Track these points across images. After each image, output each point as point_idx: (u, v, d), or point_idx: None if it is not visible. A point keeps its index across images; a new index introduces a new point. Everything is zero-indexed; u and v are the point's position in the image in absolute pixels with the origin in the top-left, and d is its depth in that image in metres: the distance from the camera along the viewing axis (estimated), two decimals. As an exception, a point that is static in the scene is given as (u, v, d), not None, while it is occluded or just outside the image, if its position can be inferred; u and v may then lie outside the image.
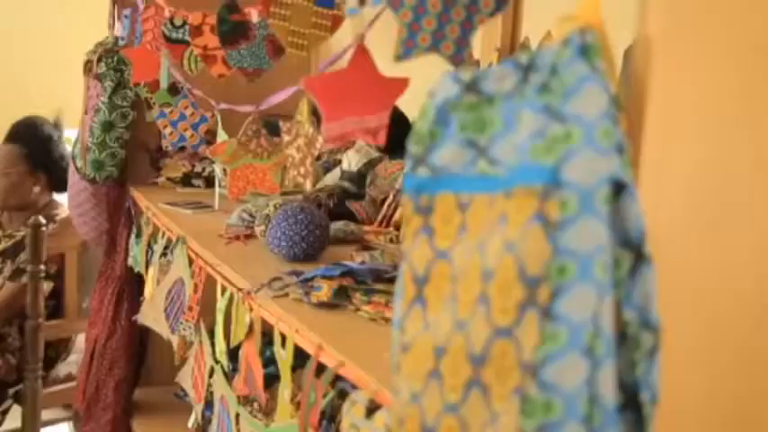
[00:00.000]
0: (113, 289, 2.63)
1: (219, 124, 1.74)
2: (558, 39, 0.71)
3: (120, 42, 2.39)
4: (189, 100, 1.94)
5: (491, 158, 0.75)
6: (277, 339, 1.43)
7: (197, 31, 1.72)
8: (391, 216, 2.08)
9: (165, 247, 2.15)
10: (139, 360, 2.75)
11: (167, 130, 1.94)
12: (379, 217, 2.10)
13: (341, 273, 1.46)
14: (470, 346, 0.69)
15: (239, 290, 1.61)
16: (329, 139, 1.17)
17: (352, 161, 2.41)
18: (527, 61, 0.71)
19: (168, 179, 2.68)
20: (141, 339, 2.72)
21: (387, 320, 1.35)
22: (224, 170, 1.77)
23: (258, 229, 1.88)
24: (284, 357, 1.40)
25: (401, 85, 1.20)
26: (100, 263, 2.76)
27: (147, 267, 2.31)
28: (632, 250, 0.67)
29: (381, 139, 1.20)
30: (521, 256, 0.65)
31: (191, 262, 1.96)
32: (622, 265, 0.67)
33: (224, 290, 1.73)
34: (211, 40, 1.68)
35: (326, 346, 1.26)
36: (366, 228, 2.06)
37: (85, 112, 2.62)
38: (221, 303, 1.72)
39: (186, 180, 2.68)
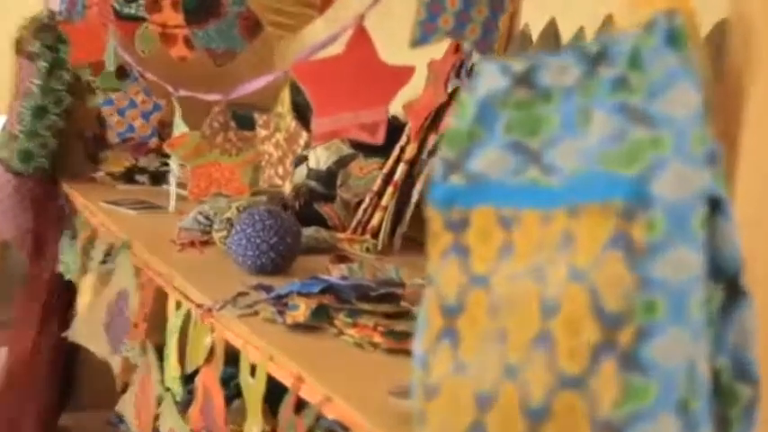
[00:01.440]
0: (40, 299, 2.50)
1: (178, 114, 1.64)
2: (634, 23, 0.63)
3: (58, 17, 2.27)
4: (140, 85, 1.84)
5: (544, 166, 0.68)
6: (244, 366, 1.34)
7: (155, 6, 1.61)
8: (368, 222, 1.99)
9: (106, 254, 2.03)
10: (67, 381, 2.62)
11: (114, 119, 1.84)
12: (354, 223, 2.02)
13: (321, 289, 1.37)
14: (526, 396, 0.61)
15: (198, 306, 1.51)
16: (320, 137, 1.08)
17: (320, 158, 2.32)
18: (596, 50, 0.63)
19: (108, 174, 2.56)
20: (70, 357, 2.60)
21: (375, 346, 1.27)
22: (181, 166, 1.67)
23: (218, 235, 1.78)
24: (253, 387, 1.31)
25: (405, 74, 1.12)
26: (24, 268, 2.63)
27: (82, 276, 2.20)
28: (725, 282, 0.60)
29: (380, 136, 1.13)
30: (595, 288, 0.58)
31: (137, 271, 1.85)
32: (713, 300, 0.60)
33: (178, 305, 1.63)
34: (172, 17, 1.58)
35: (307, 376, 1.18)
36: (339, 235, 1.97)
37: (15, 96, 2.49)
38: (175, 321, 1.62)
39: (129, 176, 2.56)
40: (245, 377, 1.33)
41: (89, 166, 2.60)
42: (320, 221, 2.04)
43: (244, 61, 2.83)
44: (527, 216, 0.68)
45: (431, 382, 0.73)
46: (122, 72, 2.03)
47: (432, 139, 1.92)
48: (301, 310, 1.35)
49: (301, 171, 2.40)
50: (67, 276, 2.34)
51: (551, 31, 1.71)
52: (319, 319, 1.35)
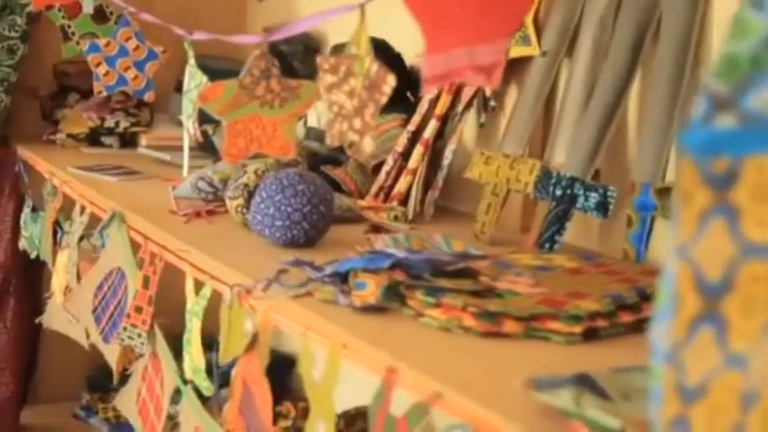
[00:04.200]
0: (-5, 282, 2.30)
1: (192, 61, 1.46)
2: None
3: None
4: (132, 29, 1.65)
5: None
6: (305, 356, 1.20)
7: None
8: (392, 187, 1.85)
9: (88, 227, 1.85)
10: (28, 372, 2.43)
11: (101, 70, 1.65)
12: (375, 188, 1.88)
13: (391, 264, 1.24)
14: None
15: (232, 286, 1.35)
16: (431, 79, 0.95)
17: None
18: None
19: (69, 136, 2.35)
20: (31, 345, 2.40)
21: (467, 330, 1.14)
22: (197, 122, 1.51)
23: (233, 204, 1.62)
24: (318, 381, 1.17)
25: (525, 2, 0.99)
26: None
27: (54, 253, 2.01)
28: None
29: (496, 79, 0.99)
30: None
31: (134, 247, 1.68)
32: None
33: (199, 285, 1.47)
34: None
35: (401, 367, 1.04)
36: (361, 202, 1.83)
37: (-42, 45, 2.26)
38: (196, 304, 1.47)
39: (94, 137, 2.36)
40: (307, 370, 1.19)
41: (46, 127, 2.39)
42: (334, 187, 1.90)
43: (213, 10, 2.65)
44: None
45: (689, 382, 0.61)
46: (100, 15, 1.85)
47: (466, 93, 1.79)
48: (371, 289, 1.21)
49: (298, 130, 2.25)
50: (33, 254, 2.14)
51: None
52: (391, 299, 1.21)
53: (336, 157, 2.07)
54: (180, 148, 2.29)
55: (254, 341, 1.31)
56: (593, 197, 1.48)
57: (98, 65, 1.66)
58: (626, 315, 1.19)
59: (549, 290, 1.25)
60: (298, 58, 2.40)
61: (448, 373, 1.03)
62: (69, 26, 1.85)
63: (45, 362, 2.48)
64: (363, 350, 1.11)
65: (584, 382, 0.92)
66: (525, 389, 0.93)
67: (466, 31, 0.94)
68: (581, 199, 1.50)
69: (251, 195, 1.59)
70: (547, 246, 1.52)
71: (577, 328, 1.14)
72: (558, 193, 1.52)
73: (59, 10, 1.85)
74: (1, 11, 2.18)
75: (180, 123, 2.39)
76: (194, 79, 1.44)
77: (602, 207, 1.47)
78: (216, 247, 1.52)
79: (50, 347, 2.45)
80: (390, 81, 1.06)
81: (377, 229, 1.63)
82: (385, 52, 1.95)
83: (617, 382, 0.94)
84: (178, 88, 2.46)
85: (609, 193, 1.47)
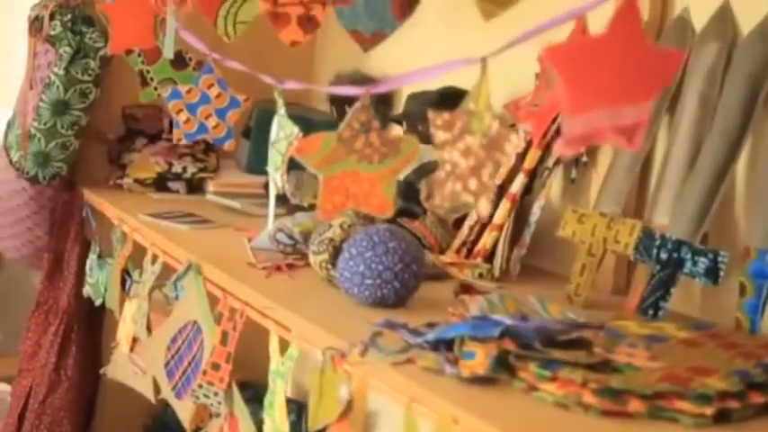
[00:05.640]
0: (57, 327, 2.25)
1: (282, 110, 1.41)
2: None
3: (90, -6, 2.03)
4: (215, 76, 1.61)
5: None
6: (410, 430, 1.12)
7: (265, -24, 1.39)
8: (474, 242, 1.78)
9: (159, 277, 1.80)
10: (87, 421, 2.37)
11: (182, 117, 1.60)
12: (457, 243, 1.81)
13: (501, 333, 1.16)
14: None
15: (325, 350, 1.28)
16: (571, 141, 0.88)
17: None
18: None
19: (136, 181, 2.31)
20: (90, 394, 2.34)
21: (586, 408, 1.06)
22: (285, 173, 1.45)
23: (317, 259, 1.56)
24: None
25: (673, 61, 0.92)
26: (36, 289, 2.37)
27: (120, 302, 1.96)
28: None
29: (637, 143, 0.92)
30: None
31: (211, 300, 1.62)
32: None
33: (284, 345, 1.41)
34: (287, -10, 1.36)
35: (523, 449, 0.97)
36: (444, 258, 1.76)
37: (30, 87, 2.23)
38: (282, 365, 1.40)
39: (161, 183, 2.32)
40: (410, 444, 1.12)
41: (114, 172, 2.35)
42: (414, 241, 1.83)
43: (280, 53, 2.60)
44: None
45: None
46: (179, 60, 1.81)
47: (557, 147, 1.72)
48: (479, 359, 1.14)
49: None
50: (97, 301, 2.09)
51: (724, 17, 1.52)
52: (501, 370, 1.14)
53: (411, 208, 2.01)
54: (248, 196, 2.24)
55: (348, 408, 1.24)
56: (703, 262, 1.40)
57: (179, 112, 1.61)
58: (756, 396, 1.10)
59: (668, 364, 1.16)
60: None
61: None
62: (148, 71, 1.81)
63: (102, 412, 2.42)
64: (477, 427, 1.03)
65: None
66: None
67: (610, 91, 0.88)
68: (688, 264, 1.41)
69: (337, 250, 1.53)
70: (650, 312, 1.44)
71: (708, 410, 1.05)
72: (664, 256, 1.44)
73: (139, 55, 1.81)
74: (74, 54, 2.16)
75: (249, 170, 2.35)
76: (284, 129, 1.38)
77: (713, 273, 1.39)
78: (300, 304, 1.46)
79: (108, 397, 2.39)
80: (515, 140, 0.99)
81: (467, 288, 1.56)
82: (459, 100, 1.89)
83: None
84: (245, 134, 2.43)
85: (720, 259, 1.38)
